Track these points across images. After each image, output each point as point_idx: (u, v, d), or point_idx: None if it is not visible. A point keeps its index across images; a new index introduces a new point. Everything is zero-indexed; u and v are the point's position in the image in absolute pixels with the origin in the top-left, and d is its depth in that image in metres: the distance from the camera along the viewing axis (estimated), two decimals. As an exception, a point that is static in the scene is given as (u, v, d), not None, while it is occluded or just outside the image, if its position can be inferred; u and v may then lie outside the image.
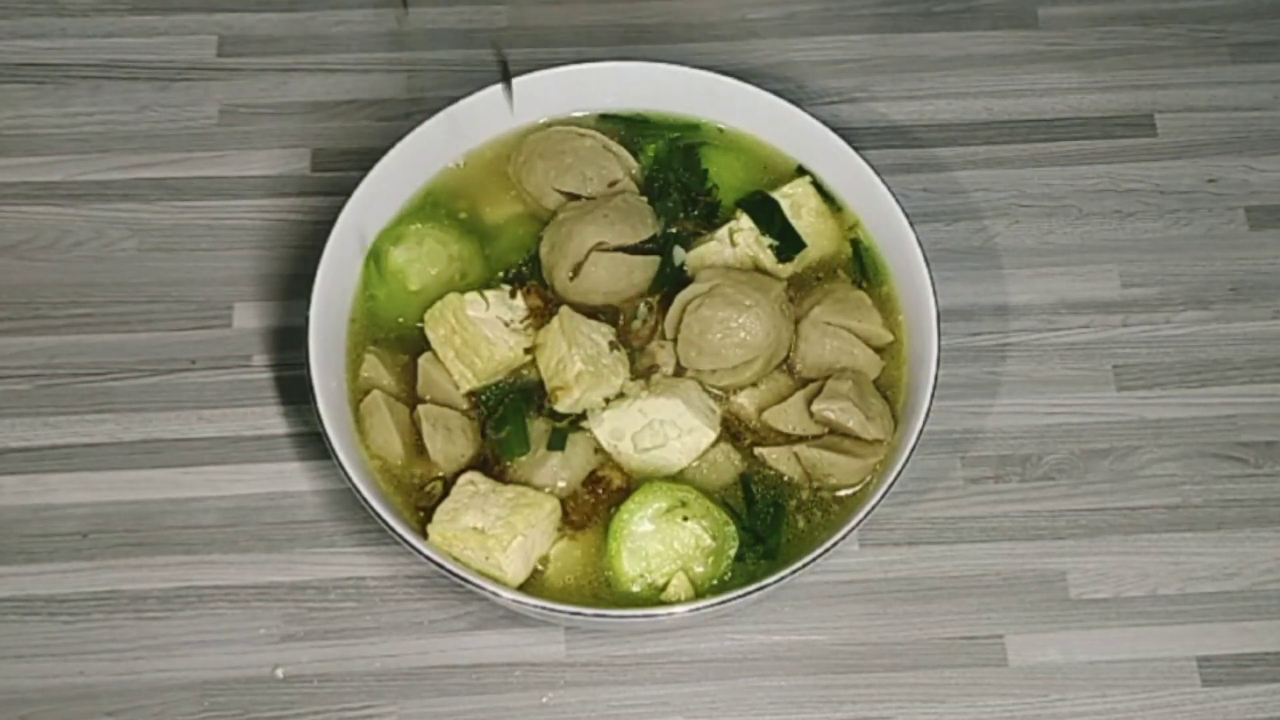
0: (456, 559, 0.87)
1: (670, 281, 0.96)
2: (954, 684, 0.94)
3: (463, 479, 0.89)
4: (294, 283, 1.05)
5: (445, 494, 0.89)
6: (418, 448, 0.91)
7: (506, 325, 0.94)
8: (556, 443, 0.91)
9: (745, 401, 0.94)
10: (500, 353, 0.93)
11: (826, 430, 0.92)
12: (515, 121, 1.02)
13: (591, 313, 0.94)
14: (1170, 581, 0.97)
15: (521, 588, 0.88)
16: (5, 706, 0.92)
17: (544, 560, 0.89)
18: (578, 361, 0.90)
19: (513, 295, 0.95)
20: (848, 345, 0.94)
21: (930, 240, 1.01)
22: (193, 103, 1.13)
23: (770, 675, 0.94)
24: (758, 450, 0.92)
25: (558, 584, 0.89)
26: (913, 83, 1.15)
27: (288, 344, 1.04)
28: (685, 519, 0.89)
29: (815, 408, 0.91)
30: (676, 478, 0.91)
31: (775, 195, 0.98)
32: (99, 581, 0.96)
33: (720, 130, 1.03)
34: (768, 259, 0.97)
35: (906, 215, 0.95)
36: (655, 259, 0.96)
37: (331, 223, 0.94)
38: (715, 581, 0.89)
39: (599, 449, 0.92)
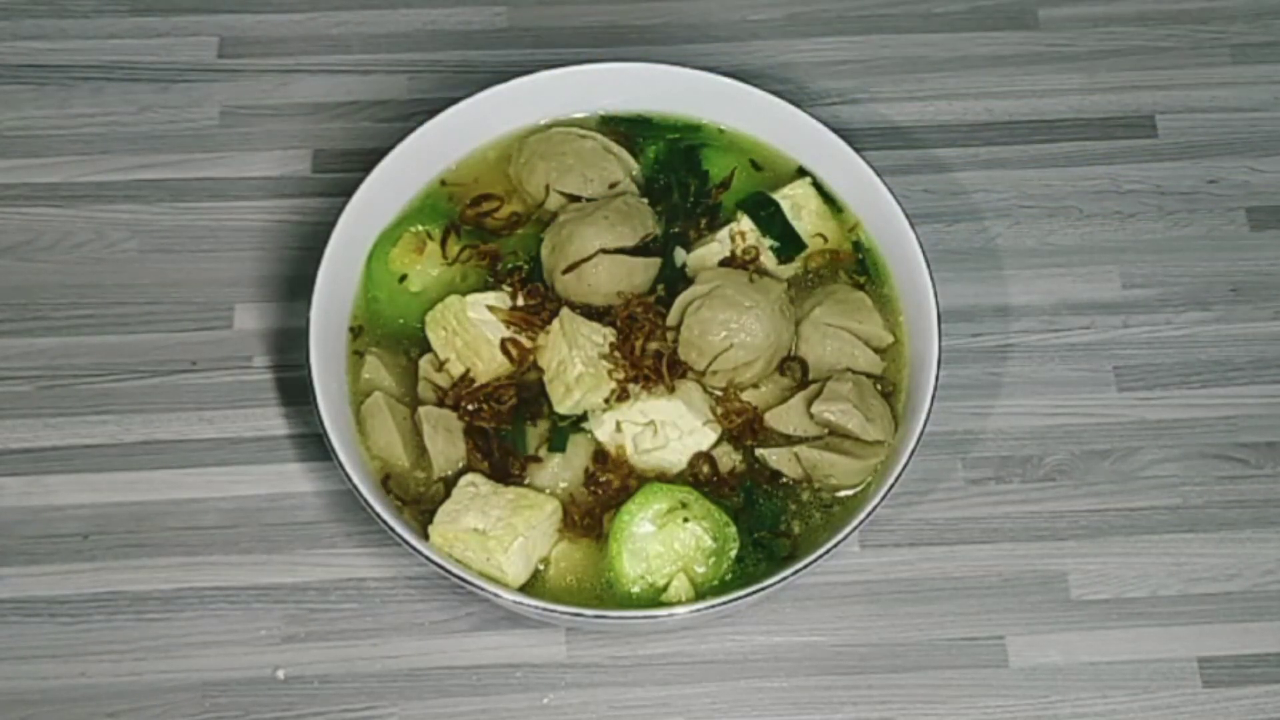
0: (457, 560, 0.87)
1: (671, 283, 0.96)
2: (955, 685, 0.94)
3: (463, 480, 0.89)
4: (295, 284, 1.05)
5: (446, 495, 0.89)
6: (419, 449, 0.92)
7: (508, 327, 0.94)
8: (558, 444, 0.91)
9: (746, 402, 0.94)
10: (501, 355, 0.93)
11: (827, 431, 0.92)
12: (516, 123, 1.02)
13: (592, 314, 0.94)
14: (1171, 582, 0.97)
15: (522, 589, 0.88)
16: (6, 708, 0.92)
17: (545, 561, 0.90)
18: (578, 363, 0.91)
19: (514, 297, 0.95)
20: (848, 346, 0.94)
21: (931, 241, 1.01)
22: (194, 104, 1.13)
23: (771, 676, 0.94)
24: (758, 451, 0.92)
25: (559, 585, 0.89)
26: (913, 84, 1.15)
27: (289, 345, 1.04)
28: (686, 520, 0.89)
29: (815, 409, 0.91)
30: (677, 479, 0.91)
31: (776, 196, 0.98)
32: (100, 583, 0.96)
33: (721, 131, 1.03)
34: (768, 260, 0.97)
35: (907, 216, 0.95)
36: (656, 260, 0.96)
37: (332, 224, 0.95)
38: (716, 582, 0.89)
39: (600, 450, 0.92)
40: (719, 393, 0.94)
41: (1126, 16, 1.18)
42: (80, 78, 1.14)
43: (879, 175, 0.96)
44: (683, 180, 1.00)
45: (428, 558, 0.86)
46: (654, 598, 0.88)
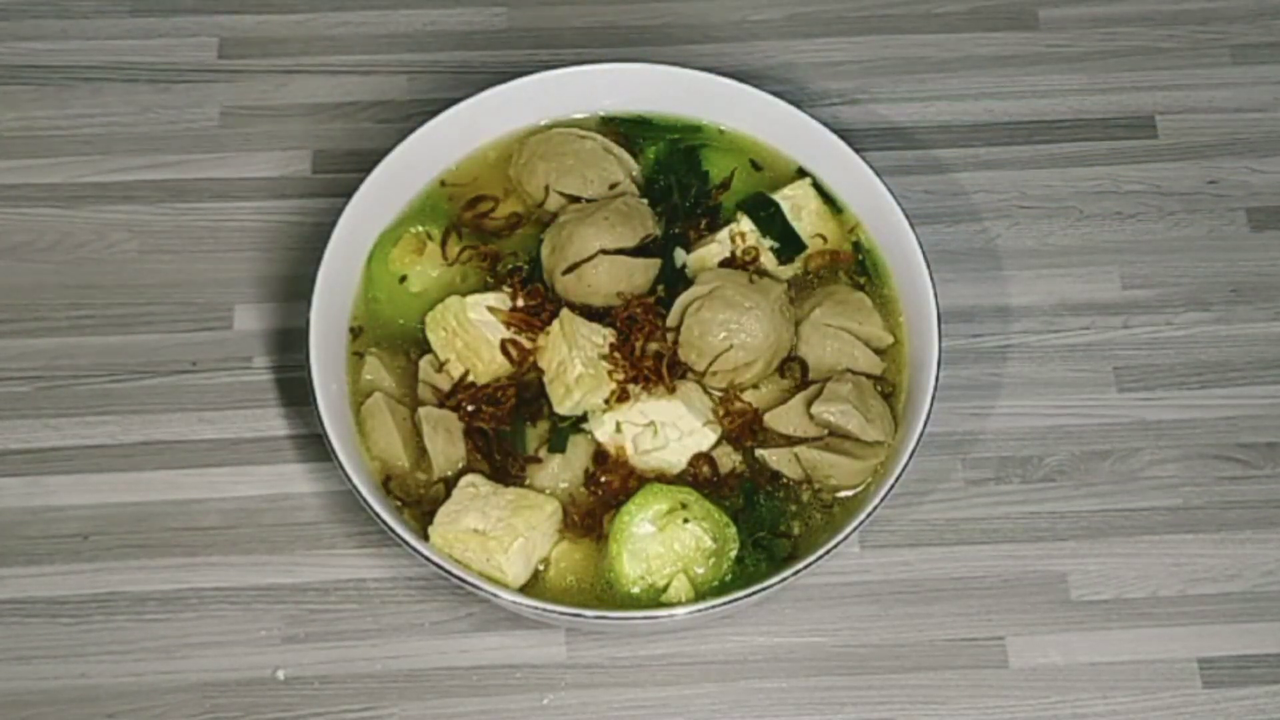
0: (457, 561, 0.87)
1: (671, 283, 0.96)
2: (955, 686, 0.94)
3: (463, 481, 0.89)
4: (295, 284, 1.05)
5: (446, 496, 0.89)
6: (419, 450, 0.92)
7: (507, 328, 0.94)
8: (557, 445, 0.91)
9: (746, 403, 0.94)
10: (501, 355, 0.93)
11: (827, 432, 0.92)
12: (516, 123, 1.02)
13: (592, 315, 0.94)
14: (1171, 583, 0.97)
15: (522, 589, 0.88)
16: (6, 709, 0.92)
17: (545, 562, 0.90)
18: (578, 364, 0.91)
19: (514, 298, 0.95)
20: (848, 347, 0.94)
21: (931, 242, 1.01)
22: (194, 104, 1.13)
23: (771, 677, 0.94)
24: (758, 452, 0.92)
25: (559, 586, 0.89)
26: (913, 84, 1.15)
27: (288, 346, 1.04)
28: (686, 521, 0.89)
29: (815, 410, 0.91)
30: (677, 479, 0.91)
31: (776, 197, 0.98)
32: (100, 583, 0.96)
33: (721, 132, 1.03)
34: (768, 261, 0.97)
35: (907, 217, 0.95)
36: (656, 261, 0.96)
37: (332, 225, 0.95)
38: (716, 583, 0.89)
39: (600, 450, 0.92)
40: (719, 393, 0.94)
41: (1126, 17, 1.19)
42: (80, 78, 1.14)
43: (879, 176, 0.96)
44: (683, 181, 1.00)
45: (428, 558, 0.86)
46: (654, 598, 0.88)
